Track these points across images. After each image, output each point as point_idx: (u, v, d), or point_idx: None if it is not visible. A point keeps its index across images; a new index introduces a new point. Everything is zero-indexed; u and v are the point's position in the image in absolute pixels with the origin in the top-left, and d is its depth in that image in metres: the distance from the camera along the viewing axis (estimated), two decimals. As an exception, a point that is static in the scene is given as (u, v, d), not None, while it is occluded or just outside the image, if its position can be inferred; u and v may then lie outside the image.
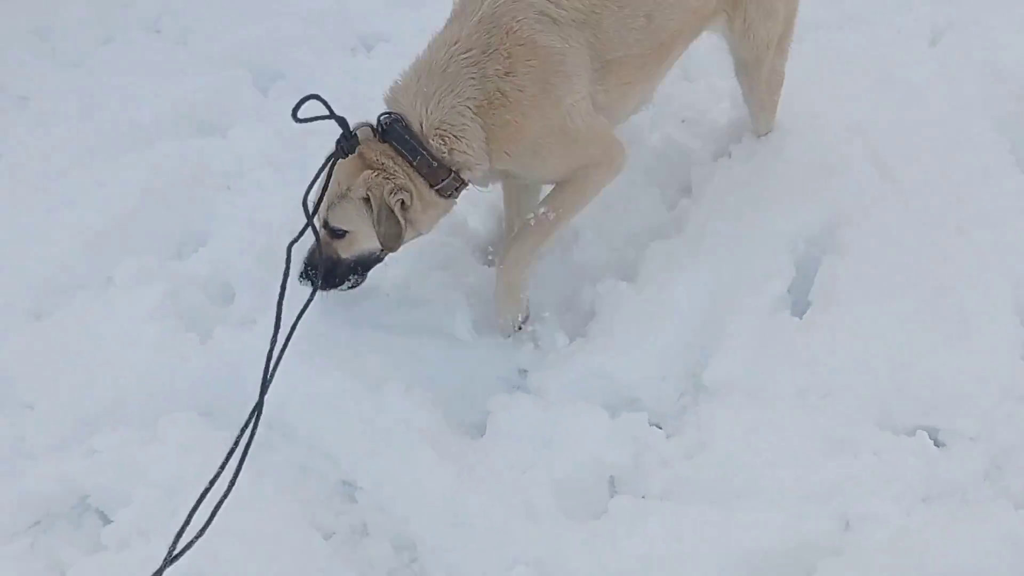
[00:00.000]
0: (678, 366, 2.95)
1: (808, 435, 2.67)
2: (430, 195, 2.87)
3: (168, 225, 3.48)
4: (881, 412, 2.73)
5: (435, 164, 2.82)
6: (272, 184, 3.66)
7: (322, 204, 2.85)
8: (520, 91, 2.79)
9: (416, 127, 2.80)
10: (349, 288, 3.02)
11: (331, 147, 2.84)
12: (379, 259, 3.01)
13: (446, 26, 2.92)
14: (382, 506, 2.66)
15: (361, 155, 2.82)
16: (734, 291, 3.06)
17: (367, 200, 2.81)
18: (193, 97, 4.09)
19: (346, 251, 2.95)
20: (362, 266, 2.99)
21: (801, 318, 3.01)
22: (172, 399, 2.87)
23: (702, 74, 4.02)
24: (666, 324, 2.98)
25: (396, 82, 2.91)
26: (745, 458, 2.62)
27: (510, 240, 3.10)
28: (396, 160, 2.81)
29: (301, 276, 2.92)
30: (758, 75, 3.37)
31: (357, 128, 2.84)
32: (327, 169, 2.81)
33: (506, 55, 2.78)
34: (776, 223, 3.23)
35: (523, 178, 3.13)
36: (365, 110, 3.07)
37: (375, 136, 2.84)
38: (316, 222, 2.84)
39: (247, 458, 2.44)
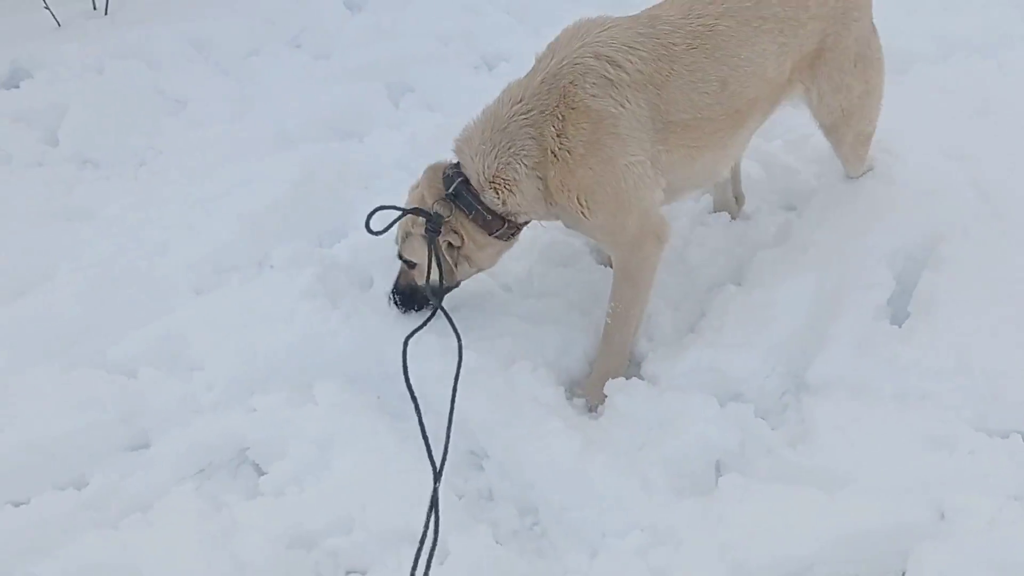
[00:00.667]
0: (782, 365, 3.16)
1: (906, 433, 2.84)
2: (485, 239, 3.11)
3: (315, 217, 3.86)
4: (976, 415, 2.88)
5: (489, 217, 3.06)
6: (406, 186, 3.99)
7: (399, 235, 3.18)
8: (568, 151, 2.94)
9: (474, 179, 3.04)
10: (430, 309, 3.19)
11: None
12: (449, 288, 3.20)
13: (517, 81, 3.12)
14: (508, 474, 2.93)
15: (423, 193, 3.13)
16: (836, 298, 3.26)
17: (425, 238, 3.07)
18: (333, 106, 4.51)
19: (418, 279, 3.21)
20: (435, 292, 3.17)
21: (900, 327, 3.19)
22: (322, 367, 3.20)
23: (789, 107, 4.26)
24: (772, 325, 3.20)
25: (465, 129, 3.14)
26: (846, 450, 2.81)
27: (593, 367, 3.26)
28: (452, 208, 3.05)
29: (389, 298, 3.29)
30: (841, 138, 3.49)
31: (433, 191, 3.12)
32: (434, 253, 3.07)
33: (560, 117, 2.94)
34: (877, 238, 3.42)
35: (576, 231, 3.25)
36: None
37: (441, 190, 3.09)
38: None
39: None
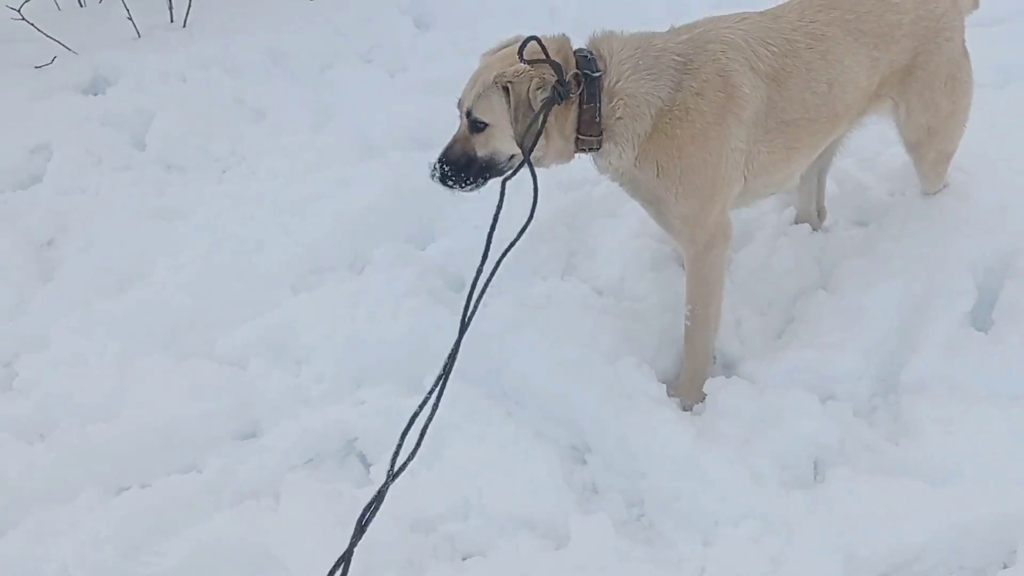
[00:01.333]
0: (873, 368, 3.26)
1: (1004, 429, 2.94)
2: (571, 136, 2.95)
3: (407, 221, 3.97)
4: (1069, 415, 3.01)
5: (597, 119, 2.91)
6: (491, 193, 4.11)
7: (469, 93, 2.97)
8: (700, 114, 2.91)
9: (606, 83, 2.90)
10: (471, 191, 3.10)
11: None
12: (509, 168, 3.01)
13: (658, 32, 3.07)
14: (614, 465, 3.02)
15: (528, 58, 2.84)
16: (922, 305, 3.36)
17: (507, 91, 2.85)
18: (412, 117, 4.63)
19: (482, 147, 3.00)
20: (491, 169, 3.03)
21: (987, 333, 3.31)
22: (430, 360, 3.26)
23: (872, 121, 4.41)
24: (864, 329, 3.29)
25: (614, 33, 3.02)
26: (948, 444, 2.91)
27: (681, 369, 3.31)
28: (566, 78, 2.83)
29: (433, 170, 3.07)
30: (923, 155, 3.55)
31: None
32: (543, 114, 2.84)
33: (704, 79, 2.92)
34: (957, 250, 3.51)
35: (640, 198, 3.16)
36: None
37: (576, 67, 2.89)
38: (460, 110, 3.02)
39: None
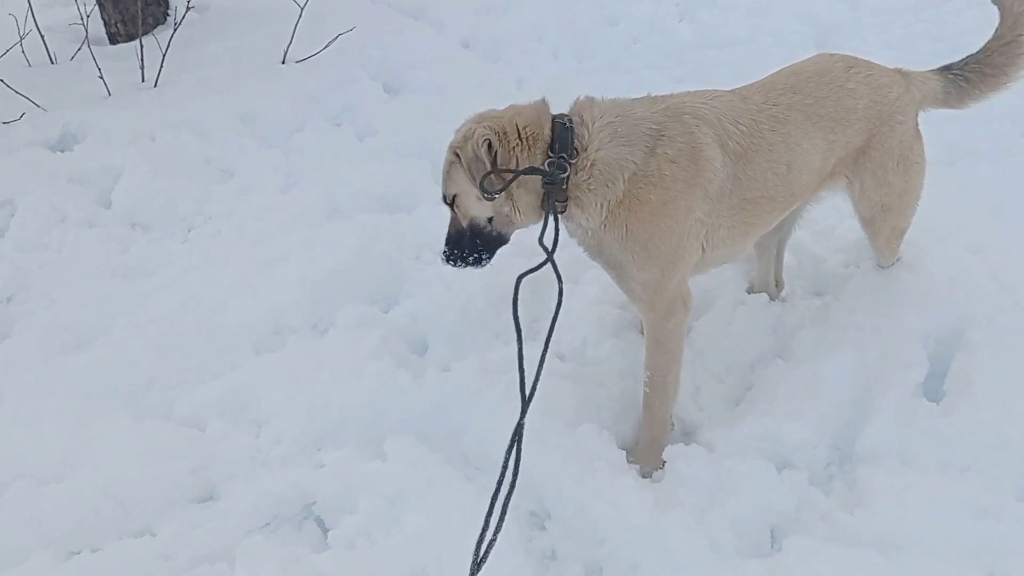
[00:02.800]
0: (828, 437, 3.31)
1: (954, 501, 2.99)
2: (536, 186, 3.01)
3: (372, 283, 4.00)
4: (1017, 487, 3.04)
5: (565, 186, 2.99)
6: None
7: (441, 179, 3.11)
8: (673, 180, 2.99)
9: (581, 147, 2.98)
10: (477, 266, 3.18)
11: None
12: (498, 235, 3.13)
13: (636, 99, 3.15)
14: (574, 532, 3.02)
15: (518, 115, 3.02)
16: (876, 376, 3.44)
17: (458, 156, 3.00)
18: (380, 181, 4.70)
19: (464, 218, 3.12)
20: (480, 238, 3.13)
21: (939, 404, 3.38)
22: (392, 424, 3.31)
23: (829, 197, 4.55)
24: (819, 398, 3.35)
25: (595, 100, 3.12)
26: (900, 515, 2.95)
27: (640, 438, 3.34)
28: (525, 130, 2.96)
29: (441, 258, 3.21)
30: (878, 230, 3.64)
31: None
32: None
33: (678, 147, 3.00)
34: (910, 322, 3.61)
35: (603, 261, 3.21)
36: None
37: (557, 127, 2.99)
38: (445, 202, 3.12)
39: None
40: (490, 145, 2.98)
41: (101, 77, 5.43)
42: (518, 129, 3.03)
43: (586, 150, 3.01)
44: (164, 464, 3.19)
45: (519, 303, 2.87)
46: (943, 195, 4.38)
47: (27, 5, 5.74)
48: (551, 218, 3.02)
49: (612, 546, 2.92)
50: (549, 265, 2.98)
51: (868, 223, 3.67)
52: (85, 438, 3.27)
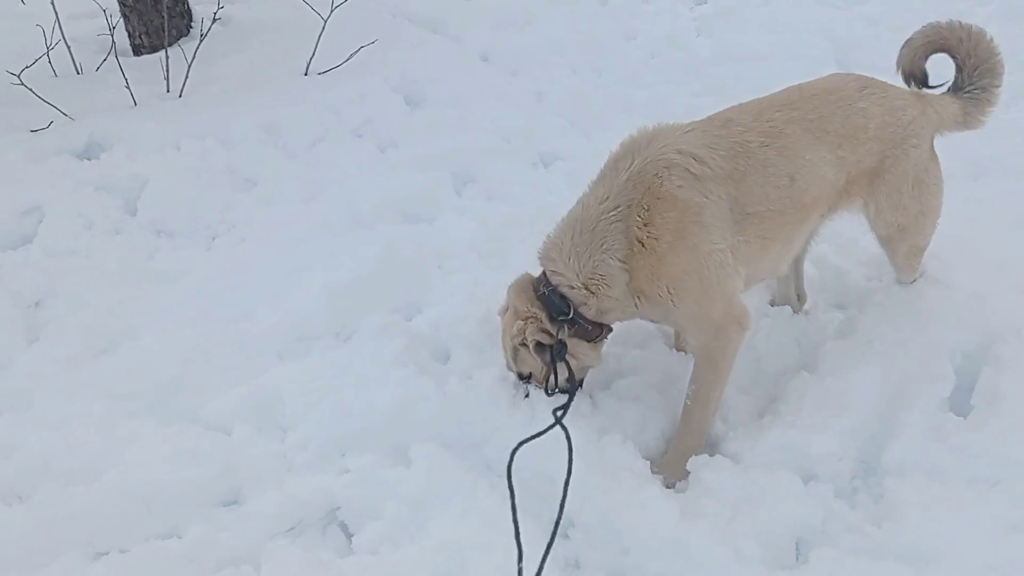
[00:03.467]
0: (854, 450, 3.30)
1: (982, 515, 2.96)
2: (587, 345, 3.32)
3: (394, 292, 4.01)
4: (1046, 503, 3.05)
5: (589, 327, 3.26)
6: (478, 267, 4.20)
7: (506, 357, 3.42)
8: (656, 239, 3.08)
9: (567, 285, 3.21)
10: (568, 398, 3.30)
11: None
12: (573, 382, 3.33)
13: (597, 182, 3.28)
14: (597, 541, 3.01)
15: (515, 309, 3.31)
16: (902, 389, 3.42)
17: (524, 346, 3.28)
18: (402, 191, 4.73)
19: (539, 384, 3.42)
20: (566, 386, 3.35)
21: (966, 418, 3.36)
22: (417, 431, 3.30)
23: (845, 217, 4.55)
24: (844, 411, 3.34)
25: (549, 238, 3.29)
26: (928, 529, 2.92)
27: (671, 446, 3.39)
28: (542, 312, 3.25)
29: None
30: (895, 249, 3.69)
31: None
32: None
33: (646, 208, 3.08)
34: (936, 336, 3.60)
35: (661, 322, 3.47)
36: (544, 214, 3.74)
37: (536, 296, 3.27)
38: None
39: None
40: (539, 344, 3.25)
41: (127, 87, 5.48)
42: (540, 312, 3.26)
43: (578, 278, 3.18)
44: (190, 467, 3.20)
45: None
46: (967, 209, 4.40)
47: (54, 17, 5.80)
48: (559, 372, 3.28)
49: (636, 556, 2.91)
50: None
51: (885, 242, 3.68)
52: (113, 441, 3.28)
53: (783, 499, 3.05)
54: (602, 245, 3.15)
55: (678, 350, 3.75)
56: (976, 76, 3.62)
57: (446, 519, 3.03)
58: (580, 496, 3.07)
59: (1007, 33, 6.22)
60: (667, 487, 3.24)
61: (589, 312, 3.24)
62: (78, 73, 6.08)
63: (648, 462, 3.26)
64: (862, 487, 3.27)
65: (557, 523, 2.80)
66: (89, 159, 5.08)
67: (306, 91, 5.74)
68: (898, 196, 3.48)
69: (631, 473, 3.11)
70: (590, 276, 3.18)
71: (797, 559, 2.98)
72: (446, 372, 3.64)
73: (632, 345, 3.73)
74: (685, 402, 3.32)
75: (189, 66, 5.70)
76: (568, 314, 3.22)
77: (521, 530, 2.98)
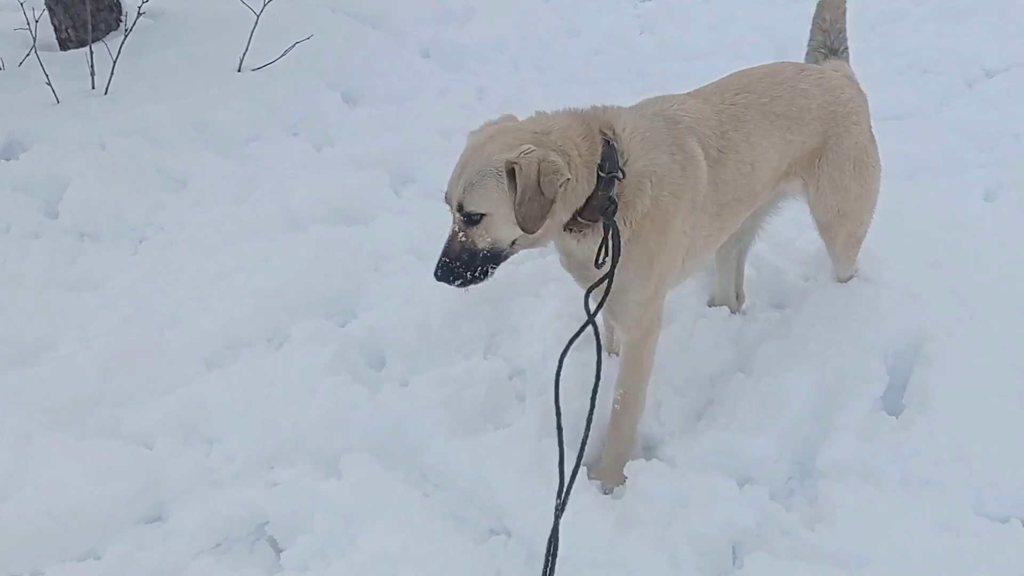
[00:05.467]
0: (788, 452, 3.29)
1: (914, 515, 2.98)
2: (567, 215, 2.86)
3: (328, 296, 3.92)
4: (977, 502, 3.05)
5: (607, 206, 2.82)
6: (416, 270, 4.12)
7: (457, 184, 2.76)
8: (679, 195, 2.94)
9: (624, 155, 2.87)
10: (476, 283, 2.88)
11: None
12: (512, 253, 2.90)
13: (637, 106, 3.12)
14: (531, 550, 2.96)
15: (548, 129, 2.79)
16: (836, 390, 3.42)
17: (512, 174, 2.68)
18: (338, 192, 4.62)
19: (482, 239, 2.81)
20: (496, 259, 2.87)
21: (898, 418, 3.38)
22: (348, 441, 3.23)
23: (788, 208, 4.57)
24: (780, 413, 3.33)
25: (610, 108, 3.02)
26: (861, 531, 2.93)
27: (604, 452, 3.30)
28: (583, 151, 2.79)
29: (437, 269, 2.85)
30: (834, 237, 3.63)
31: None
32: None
33: (687, 152, 2.97)
34: (869, 336, 3.61)
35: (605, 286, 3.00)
36: None
37: (602, 142, 2.85)
38: (449, 205, 2.82)
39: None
40: (563, 188, 2.74)
41: (49, 84, 5.28)
42: (578, 154, 2.82)
43: (626, 163, 2.88)
44: (110, 484, 3.07)
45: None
46: (901, 208, 4.41)
47: (-27, 9, 5.59)
48: (609, 243, 2.85)
49: (572, 564, 2.85)
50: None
51: (824, 228, 3.66)
52: (28, 457, 3.14)
53: (719, 503, 3.04)
54: (653, 144, 2.92)
55: (611, 353, 3.71)
56: (841, 37, 3.69)
57: (378, 532, 2.95)
58: (515, 503, 3.03)
59: (942, 32, 6.41)
60: (604, 493, 3.21)
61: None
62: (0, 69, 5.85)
63: (585, 468, 3.22)
64: (798, 488, 3.27)
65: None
66: (7, 159, 4.89)
67: (239, 88, 5.60)
68: (839, 176, 3.46)
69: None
70: (643, 170, 2.87)
71: (733, 564, 2.97)
72: (380, 379, 3.57)
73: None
74: (614, 407, 3.28)
75: (115, 61, 5.51)
76: (621, 179, 2.83)
77: (456, 539, 2.96)
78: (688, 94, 3.28)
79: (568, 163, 2.76)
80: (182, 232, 4.42)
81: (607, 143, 2.88)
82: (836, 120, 3.40)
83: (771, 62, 3.61)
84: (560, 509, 2.65)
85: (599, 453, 3.35)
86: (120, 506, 3.06)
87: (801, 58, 6.05)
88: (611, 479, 3.24)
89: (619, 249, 2.84)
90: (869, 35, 6.51)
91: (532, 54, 6.53)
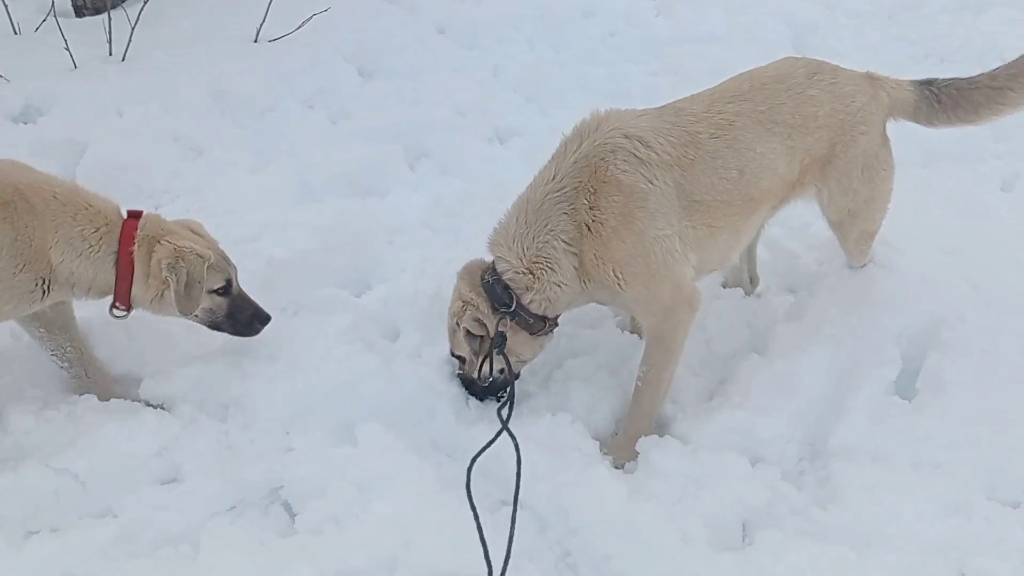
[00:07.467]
0: (800, 432, 3.32)
1: (925, 498, 3.01)
2: (529, 337, 3.28)
3: (343, 267, 3.94)
4: (987, 485, 3.07)
5: (531, 320, 3.23)
6: (430, 243, 4.13)
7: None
8: (601, 223, 3.09)
9: (511, 270, 3.17)
10: (497, 399, 3.35)
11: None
12: (510, 374, 3.28)
13: (547, 164, 3.26)
14: (543, 521, 2.99)
15: (459, 292, 3.27)
16: (849, 373, 3.45)
17: (467, 330, 3.23)
18: (353, 164, 4.63)
19: (469, 370, 3.35)
20: (492, 383, 3.33)
21: (910, 402, 3.40)
22: (362, 410, 3.25)
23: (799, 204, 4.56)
24: (792, 394, 3.36)
25: (499, 223, 3.28)
26: (872, 511, 2.96)
27: (621, 427, 3.40)
28: (508, 321, 3.21)
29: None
30: (846, 234, 3.70)
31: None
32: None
33: (592, 191, 3.09)
34: (883, 320, 3.63)
35: (612, 304, 3.43)
36: (499, 190, 3.73)
37: (480, 284, 3.24)
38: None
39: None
40: (473, 332, 3.22)
41: (67, 49, 5.28)
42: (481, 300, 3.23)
43: (522, 263, 3.16)
44: (128, 445, 3.10)
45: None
46: (917, 196, 4.42)
47: (-11, -27, 5.58)
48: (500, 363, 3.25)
49: (584, 536, 2.89)
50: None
51: (836, 227, 3.69)
52: (46, 419, 3.16)
53: (730, 481, 3.06)
54: (547, 226, 3.14)
55: (632, 332, 3.73)
56: (954, 93, 3.53)
57: (391, 499, 2.97)
58: (529, 476, 3.04)
59: (960, 22, 6.38)
60: (616, 468, 3.23)
61: (534, 303, 3.20)
62: (15, 33, 5.84)
63: (598, 443, 3.24)
64: (808, 469, 3.29)
65: (513, 521, 2.73)
66: (25, 123, 4.89)
67: (256, 58, 5.59)
68: (848, 181, 3.48)
69: (580, 453, 3.09)
70: (534, 259, 3.15)
71: (743, 541, 2.99)
72: (395, 350, 3.59)
73: (584, 325, 3.70)
74: (636, 384, 3.31)
75: (133, 29, 5.50)
76: (510, 306, 3.18)
77: (468, 509, 2.97)
78: (660, 108, 3.33)
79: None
80: (199, 199, 4.43)
81: (488, 285, 3.21)
82: (844, 128, 3.40)
83: (785, 58, 3.59)
84: None
85: (614, 428, 3.38)
86: (137, 467, 3.08)
87: (817, 42, 6.05)
88: (623, 454, 3.26)
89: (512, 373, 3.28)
90: (887, 23, 6.50)
91: (547, 33, 6.50)
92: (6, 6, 5.71)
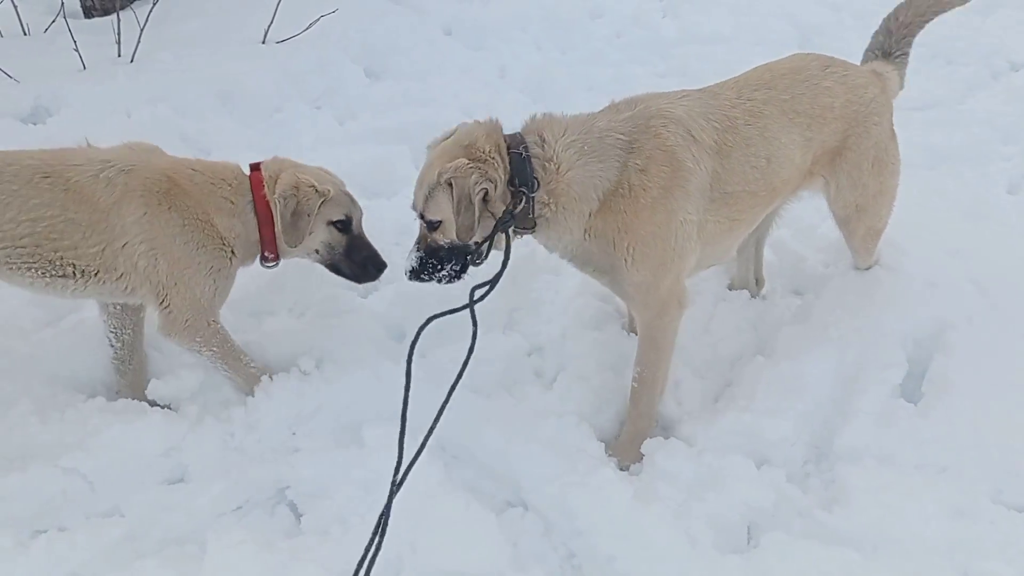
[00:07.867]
0: (806, 435, 3.31)
1: (930, 500, 3.00)
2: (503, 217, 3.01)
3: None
4: (993, 489, 3.06)
5: (530, 215, 3.00)
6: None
7: (419, 195, 3.02)
8: (644, 190, 3.00)
9: (541, 165, 2.97)
10: (448, 281, 3.15)
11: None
12: (478, 253, 3.09)
13: (598, 112, 3.15)
14: (548, 523, 3.00)
15: (470, 145, 2.97)
16: (855, 376, 3.45)
17: (451, 186, 2.92)
18: (361, 165, 4.62)
19: (440, 238, 3.07)
20: (460, 256, 3.09)
21: (916, 404, 3.39)
22: (368, 411, 3.26)
23: (806, 196, 4.56)
24: (798, 396, 3.35)
25: (554, 116, 3.12)
26: (878, 514, 2.95)
27: (623, 429, 3.35)
28: (500, 163, 2.94)
29: (407, 273, 3.14)
30: (853, 230, 3.68)
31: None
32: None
33: (648, 155, 3.00)
34: (889, 323, 3.63)
35: (592, 269, 3.22)
36: None
37: (507, 151, 2.99)
38: (415, 212, 3.07)
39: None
40: (486, 195, 2.95)
41: (76, 50, 5.31)
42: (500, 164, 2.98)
43: (557, 171, 2.99)
44: (135, 445, 3.12)
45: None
46: (923, 198, 4.42)
47: (-1, -26, 5.61)
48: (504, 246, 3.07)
49: (589, 538, 2.89)
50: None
51: (843, 223, 3.68)
52: (54, 419, 3.19)
53: (736, 483, 3.06)
54: (601, 160, 3.00)
55: (631, 332, 3.73)
56: (904, 42, 3.66)
57: (398, 500, 2.96)
58: (533, 477, 3.06)
59: (967, 23, 6.37)
60: (621, 470, 3.24)
61: (540, 206, 3.03)
62: (25, 34, 5.88)
63: (603, 444, 3.25)
64: (814, 472, 3.28)
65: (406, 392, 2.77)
66: (34, 123, 4.92)
67: (264, 59, 5.61)
68: (858, 175, 3.48)
69: (585, 455, 3.10)
70: (570, 180, 2.99)
71: (748, 543, 3.00)
72: (401, 351, 3.56)
73: (588, 327, 3.70)
74: (632, 385, 3.31)
75: (141, 30, 5.53)
76: (533, 191, 2.98)
77: (474, 510, 2.99)
78: (700, 89, 3.29)
79: (496, 183, 2.95)
80: (205, 201, 4.43)
81: (519, 158, 2.99)
82: (858, 120, 3.40)
83: (796, 53, 3.60)
84: (396, 487, 2.61)
85: (619, 430, 3.38)
86: (144, 467, 3.10)
87: (823, 44, 6.05)
88: (628, 456, 3.27)
89: (509, 255, 3.07)
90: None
91: (554, 34, 6.52)
92: (15, 7, 5.74)
